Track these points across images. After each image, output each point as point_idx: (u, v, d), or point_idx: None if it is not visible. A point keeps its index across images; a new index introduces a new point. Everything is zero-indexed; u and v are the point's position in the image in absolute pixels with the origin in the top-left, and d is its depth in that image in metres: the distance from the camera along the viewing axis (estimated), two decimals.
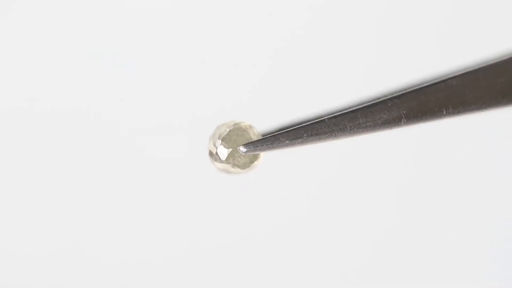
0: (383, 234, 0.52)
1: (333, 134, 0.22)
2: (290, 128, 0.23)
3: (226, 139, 0.25)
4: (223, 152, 0.24)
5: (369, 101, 0.22)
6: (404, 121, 0.23)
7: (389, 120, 0.23)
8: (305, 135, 0.23)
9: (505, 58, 0.23)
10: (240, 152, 0.24)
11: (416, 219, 0.52)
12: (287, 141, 0.23)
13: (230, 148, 0.24)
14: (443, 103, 0.23)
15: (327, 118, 0.22)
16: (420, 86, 0.23)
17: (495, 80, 0.23)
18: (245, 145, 0.23)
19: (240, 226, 0.51)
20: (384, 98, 0.23)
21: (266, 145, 0.23)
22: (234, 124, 0.25)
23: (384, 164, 0.49)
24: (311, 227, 0.51)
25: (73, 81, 0.52)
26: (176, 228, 0.50)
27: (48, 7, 0.50)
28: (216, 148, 0.25)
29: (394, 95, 0.23)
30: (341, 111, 0.23)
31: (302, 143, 0.23)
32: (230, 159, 0.24)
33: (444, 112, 0.23)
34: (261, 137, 0.23)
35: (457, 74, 0.23)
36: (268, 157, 0.26)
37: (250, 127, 0.25)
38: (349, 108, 0.23)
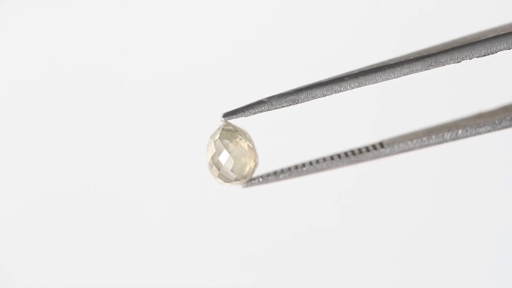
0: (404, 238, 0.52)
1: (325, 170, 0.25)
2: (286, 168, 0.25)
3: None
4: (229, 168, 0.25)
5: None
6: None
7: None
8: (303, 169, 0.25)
9: None
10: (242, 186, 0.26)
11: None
12: (284, 176, 0.25)
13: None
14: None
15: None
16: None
17: None
18: (246, 183, 0.25)
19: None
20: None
21: (264, 180, 0.25)
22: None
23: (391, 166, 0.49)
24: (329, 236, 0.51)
25: (74, 84, 0.52)
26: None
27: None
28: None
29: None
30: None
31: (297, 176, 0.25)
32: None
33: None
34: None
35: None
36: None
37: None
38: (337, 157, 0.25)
